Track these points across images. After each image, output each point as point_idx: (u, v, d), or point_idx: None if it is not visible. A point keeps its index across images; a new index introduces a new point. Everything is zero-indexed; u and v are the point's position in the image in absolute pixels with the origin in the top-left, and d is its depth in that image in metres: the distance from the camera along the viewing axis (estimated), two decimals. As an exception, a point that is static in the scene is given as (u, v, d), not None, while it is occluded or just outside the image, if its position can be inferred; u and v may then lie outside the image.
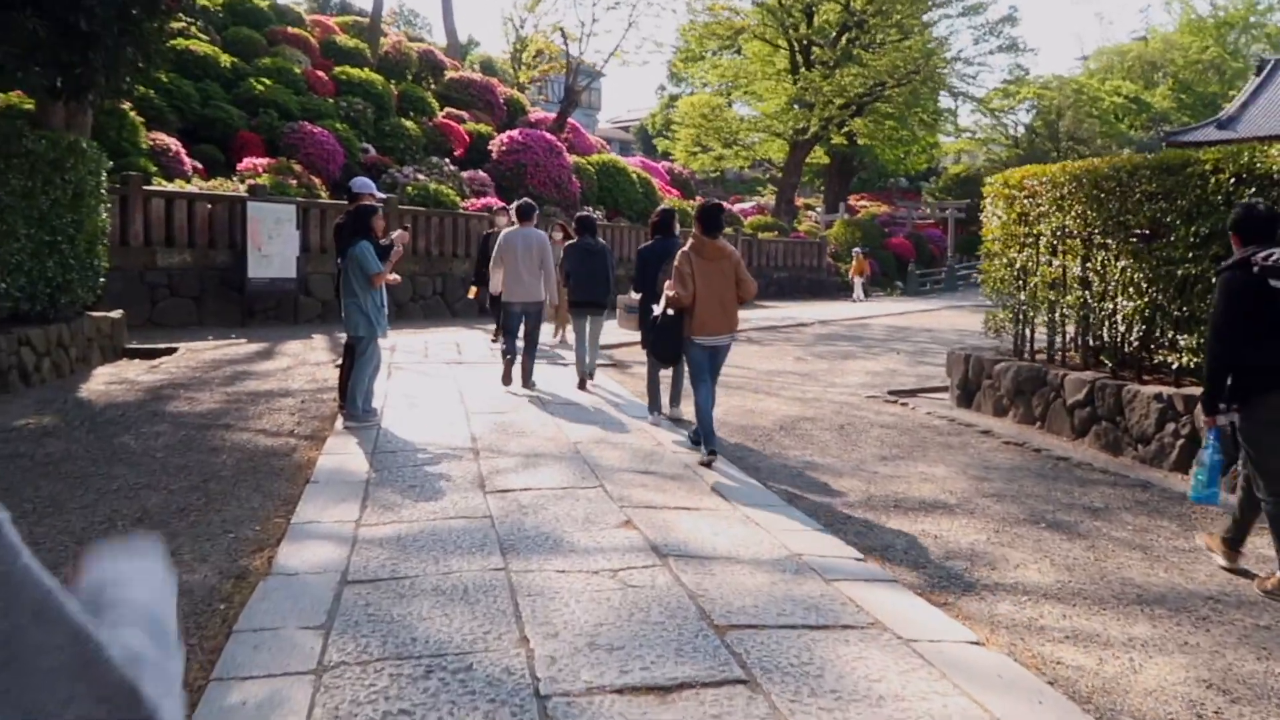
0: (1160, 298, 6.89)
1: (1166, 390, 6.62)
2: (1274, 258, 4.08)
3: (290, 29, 24.01)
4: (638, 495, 5.22)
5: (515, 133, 23.92)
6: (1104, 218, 7.41)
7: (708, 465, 6.02)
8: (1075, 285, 7.78)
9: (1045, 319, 8.36)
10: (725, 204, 36.76)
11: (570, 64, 29.35)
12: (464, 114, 25.36)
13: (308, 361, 10.79)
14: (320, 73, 22.61)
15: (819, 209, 44.50)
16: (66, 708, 0.51)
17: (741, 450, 6.83)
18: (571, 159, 24.93)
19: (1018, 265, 8.51)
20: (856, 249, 31.76)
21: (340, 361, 7.71)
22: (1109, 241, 7.37)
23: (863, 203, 48.19)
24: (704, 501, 5.17)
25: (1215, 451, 4.39)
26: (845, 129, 39.29)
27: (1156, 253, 6.89)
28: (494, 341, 12.24)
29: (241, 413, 7.67)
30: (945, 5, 39.66)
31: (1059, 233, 7.93)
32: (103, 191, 10.77)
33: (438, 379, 9.67)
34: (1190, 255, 6.57)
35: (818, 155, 43.14)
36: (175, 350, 11.70)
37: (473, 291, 13.08)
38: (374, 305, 7.07)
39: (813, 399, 9.39)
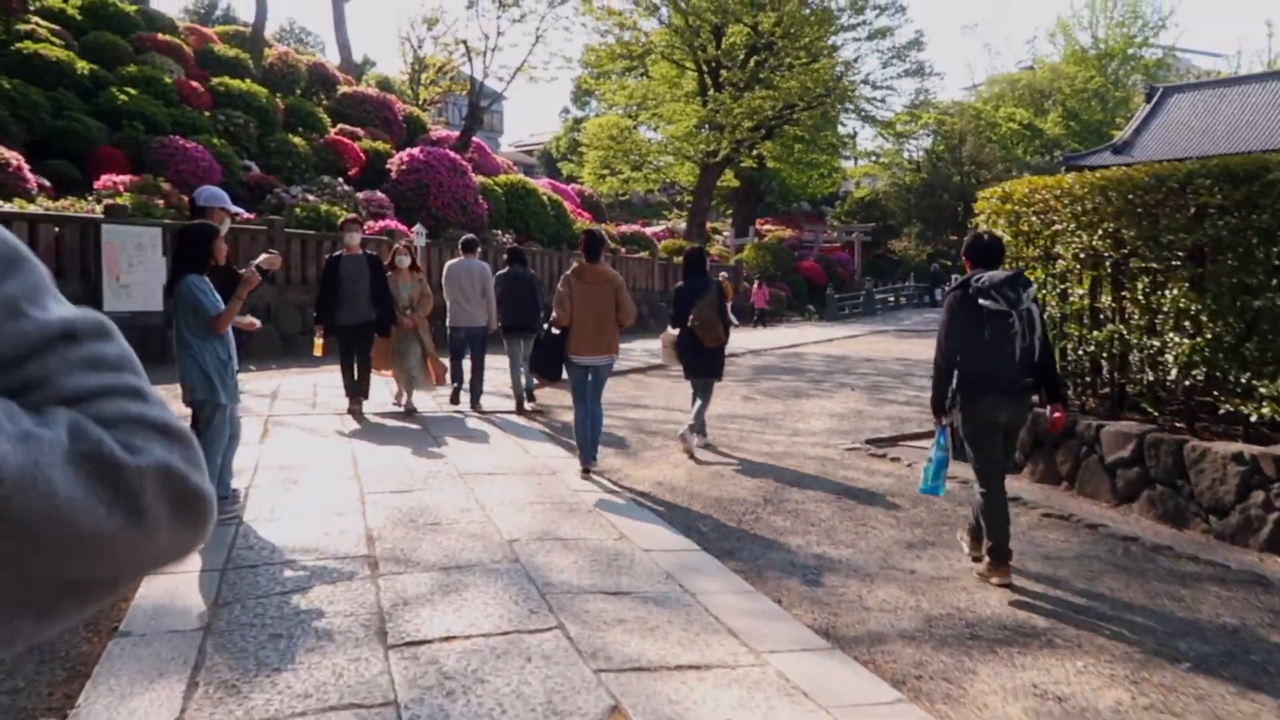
0: (1227, 334, 5.63)
1: (1249, 450, 5.33)
2: (983, 281, 4.58)
3: (161, 36, 21.62)
4: (617, 643, 3.56)
5: (416, 151, 22.02)
6: (1144, 237, 6.14)
7: (585, 475, 6.62)
8: (1109, 318, 6.50)
9: (1058, 358, 7.06)
10: (640, 228, 35.34)
11: (474, 79, 27.58)
12: (359, 131, 23.35)
13: (164, 417, 8.77)
14: (195, 83, 20.33)
15: (726, 232, 43.65)
16: None
17: (727, 536, 5.26)
18: (478, 179, 23.16)
19: (1026, 294, 7.19)
20: (723, 273, 30.22)
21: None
22: (1152, 265, 6.10)
23: (767, 226, 47.71)
24: (714, 648, 3.56)
25: (941, 449, 4.85)
26: (755, 152, 38.55)
27: (1221, 279, 5.63)
28: (349, 406, 9.08)
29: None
30: (853, 29, 39.36)
31: (1085, 256, 6.64)
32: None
33: (326, 439, 7.82)
34: (1273, 282, 5.33)
35: (727, 179, 42.31)
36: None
37: (319, 346, 8.90)
38: (215, 360, 5.19)
39: (784, 453, 7.88)
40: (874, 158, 52.12)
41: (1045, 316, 6.99)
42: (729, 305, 27.31)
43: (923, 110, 42.35)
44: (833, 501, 6.15)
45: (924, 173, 50.19)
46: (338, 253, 8.95)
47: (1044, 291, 7.01)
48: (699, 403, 7.95)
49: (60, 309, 0.61)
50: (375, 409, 9.23)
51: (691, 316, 7.60)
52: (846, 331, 25.14)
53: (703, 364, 7.82)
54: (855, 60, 40.20)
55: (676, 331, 7.89)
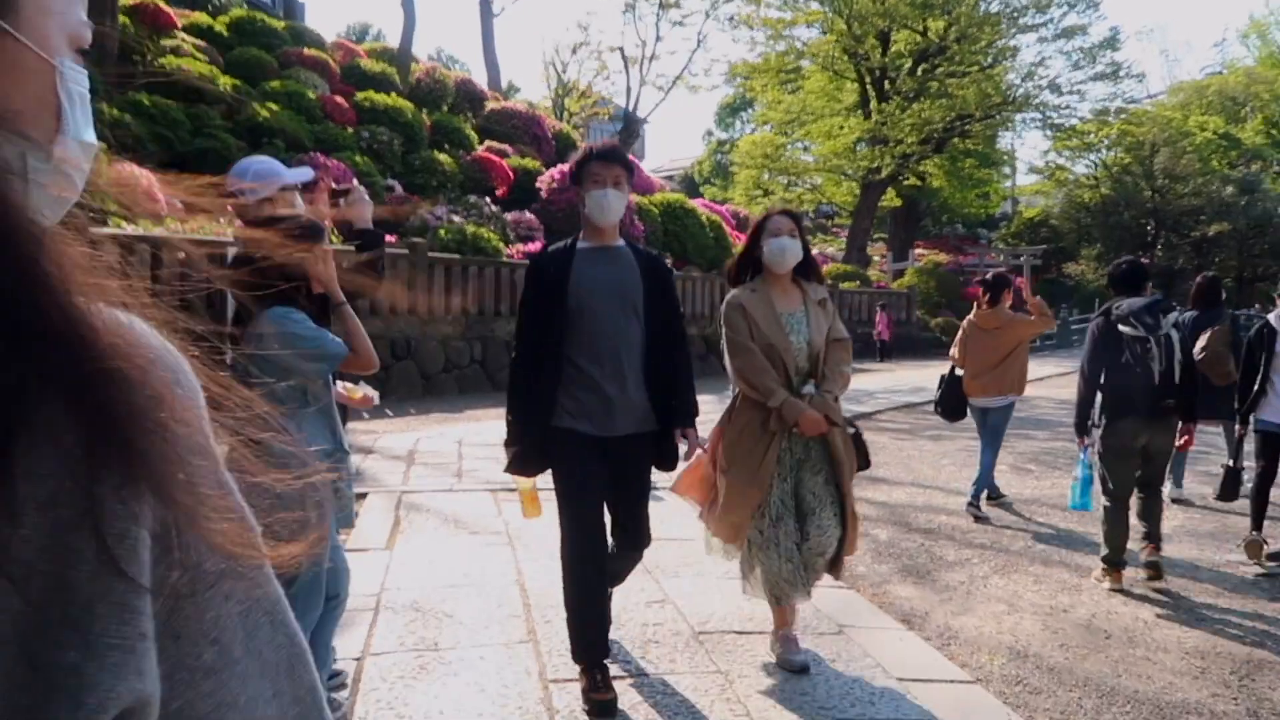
0: None
1: None
2: (1123, 308, 4.96)
3: (308, 51, 20.53)
4: None
5: (568, 167, 20.13)
6: None
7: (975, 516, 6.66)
8: None
9: None
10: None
11: (629, 88, 25.64)
12: (507, 148, 21.67)
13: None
14: (339, 99, 19.04)
15: (878, 257, 40.32)
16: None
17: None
18: (632, 198, 21.10)
19: None
20: (881, 304, 26.65)
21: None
22: None
23: (920, 250, 44.09)
24: None
25: (1086, 468, 5.29)
26: (921, 168, 35.39)
27: None
28: (587, 696, 5.65)
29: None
30: (1035, 29, 35.59)
31: None
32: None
33: (477, 537, 5.58)
34: None
35: (887, 198, 39.12)
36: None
37: (529, 496, 3.80)
38: (318, 453, 2.90)
39: (1198, 610, 5.13)
40: (1047, 174, 47.81)
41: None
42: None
43: (1119, 118, 37.91)
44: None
45: (1104, 188, 45.58)
46: (560, 244, 3.61)
47: None
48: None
49: None
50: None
51: (1199, 350, 6.64)
52: (1053, 368, 21.69)
53: (1210, 403, 7.01)
54: (1039, 63, 36.34)
55: None
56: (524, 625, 4.09)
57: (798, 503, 3.61)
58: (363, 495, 6.42)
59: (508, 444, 3.46)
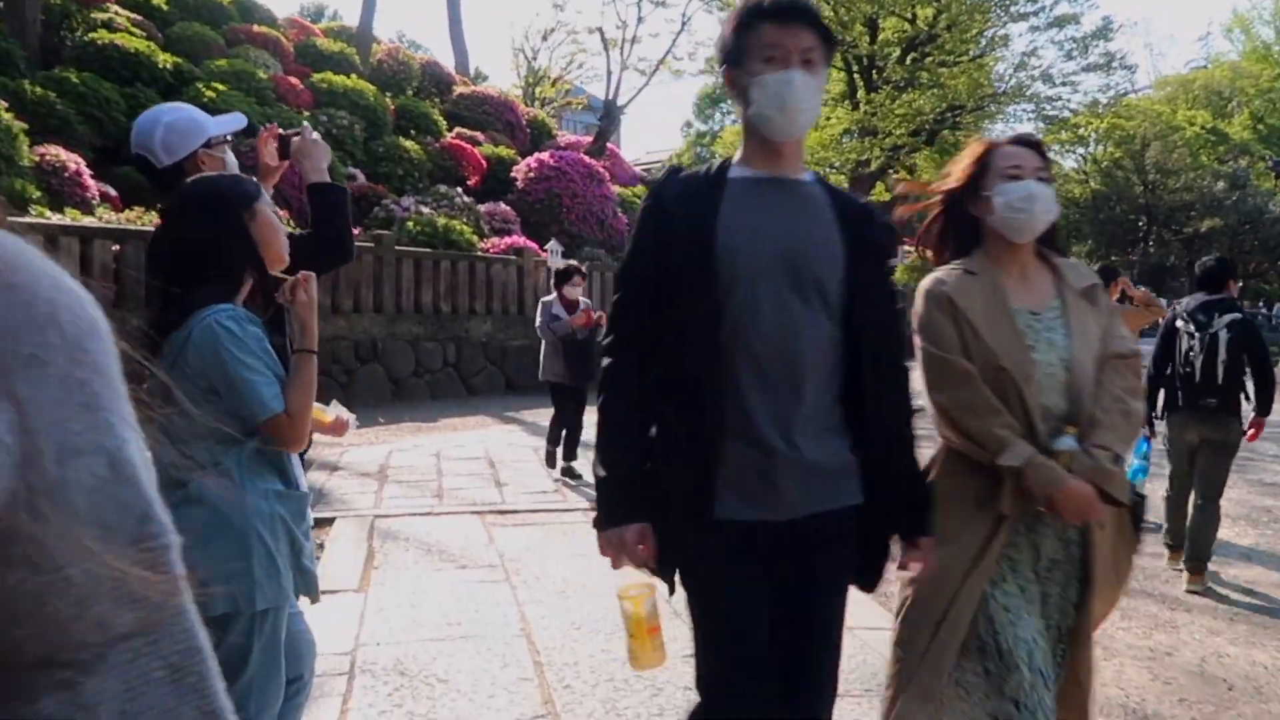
0: None
1: None
2: (1182, 305, 5.23)
3: (257, 28, 18.95)
4: None
5: (546, 156, 18.71)
6: None
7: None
8: None
9: None
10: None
11: (610, 72, 24.27)
12: (478, 135, 20.19)
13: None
14: (294, 80, 17.48)
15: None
16: None
17: None
18: (614, 190, 19.74)
19: None
20: None
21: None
22: None
23: (907, 247, 43.00)
24: None
25: (1140, 458, 5.13)
26: (910, 161, 34.25)
27: None
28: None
29: None
30: (1025, 18, 34.54)
31: None
32: None
33: (466, 571, 4.29)
34: None
35: (876, 192, 37.91)
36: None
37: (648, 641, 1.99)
38: (264, 506, 1.69)
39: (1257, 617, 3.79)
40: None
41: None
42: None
43: (1108, 109, 36.89)
44: None
45: (1094, 183, 44.73)
46: (696, 169, 1.96)
47: None
48: None
49: None
50: (522, 497, 5.45)
51: None
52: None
53: None
54: (1031, 53, 35.28)
55: None
56: (538, 691, 3.03)
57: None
58: (329, 521, 5.24)
59: (599, 516, 1.85)
